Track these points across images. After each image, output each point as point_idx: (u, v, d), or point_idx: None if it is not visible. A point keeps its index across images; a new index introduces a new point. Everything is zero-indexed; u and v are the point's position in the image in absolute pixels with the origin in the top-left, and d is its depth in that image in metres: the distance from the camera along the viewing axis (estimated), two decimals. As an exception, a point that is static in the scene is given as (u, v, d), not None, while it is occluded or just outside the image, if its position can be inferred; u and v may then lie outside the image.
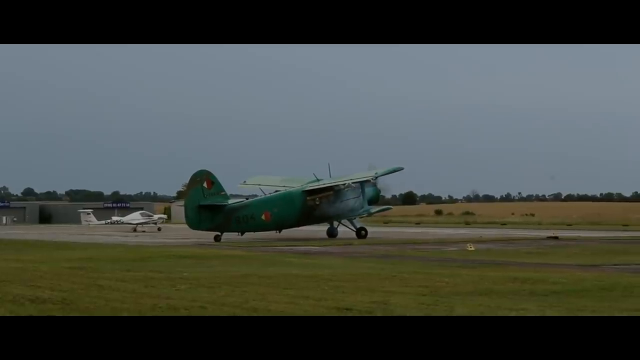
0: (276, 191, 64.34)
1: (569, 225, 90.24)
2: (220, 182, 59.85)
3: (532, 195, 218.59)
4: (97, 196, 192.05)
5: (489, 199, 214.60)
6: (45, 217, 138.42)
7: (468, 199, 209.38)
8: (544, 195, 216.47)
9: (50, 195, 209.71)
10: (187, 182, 62.28)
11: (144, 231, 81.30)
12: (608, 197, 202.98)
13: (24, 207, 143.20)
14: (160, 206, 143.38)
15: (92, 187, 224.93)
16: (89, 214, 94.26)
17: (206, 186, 58.78)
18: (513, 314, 16.12)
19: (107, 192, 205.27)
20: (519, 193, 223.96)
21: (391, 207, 78.64)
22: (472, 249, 42.21)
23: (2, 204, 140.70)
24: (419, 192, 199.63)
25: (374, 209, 64.79)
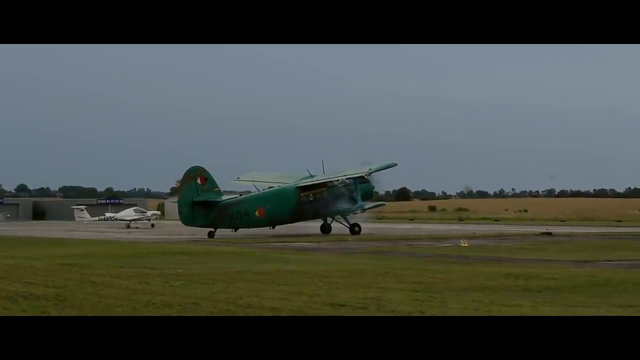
0: (270, 187, 64.32)
1: (563, 221, 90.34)
2: (214, 178, 59.88)
3: (525, 191, 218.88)
4: (91, 192, 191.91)
5: (482, 195, 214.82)
6: (38, 214, 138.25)
7: (462, 195, 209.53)
8: (537, 192, 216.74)
9: (44, 192, 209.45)
10: (181, 178, 62.32)
11: (137, 227, 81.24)
12: (602, 193, 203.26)
13: (17, 204, 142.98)
14: (154, 202, 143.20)
15: (86, 184, 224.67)
16: (83, 210, 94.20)
17: (200, 182, 58.80)
18: (506, 309, 16.14)
19: (101, 188, 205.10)
20: (513, 189, 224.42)
21: (385, 203, 78.54)
22: (466, 244, 42.26)
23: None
24: (412, 188, 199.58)
25: (368, 205, 64.66)
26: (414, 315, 15.45)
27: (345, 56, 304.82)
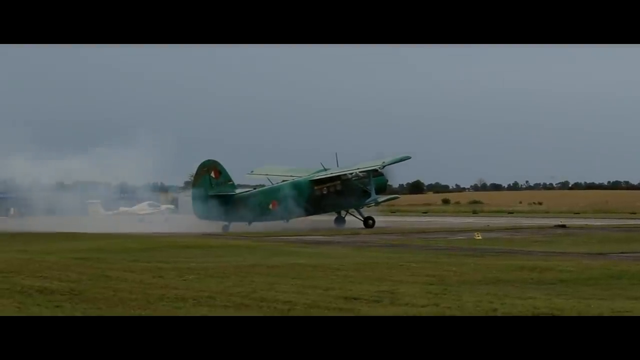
0: (284, 181, 64.33)
1: (577, 213, 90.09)
2: (228, 171, 59.91)
3: (539, 183, 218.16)
4: (104, 186, 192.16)
5: (496, 187, 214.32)
6: (52, 208, 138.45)
7: (475, 188, 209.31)
8: (551, 184, 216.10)
9: (58, 186, 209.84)
10: (195, 172, 62.34)
11: (151, 221, 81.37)
12: (615, 185, 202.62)
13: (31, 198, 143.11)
14: (168, 196, 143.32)
15: (99, 178, 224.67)
16: (96, 204, 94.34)
17: (213, 176, 58.86)
18: (520, 302, 16.12)
19: (115, 182, 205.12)
20: (527, 182, 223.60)
21: (398, 196, 78.54)
22: (480, 237, 42.18)
23: (9, 195, 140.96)
24: (426, 181, 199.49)
25: (382, 198, 64.62)
26: (428, 308, 15.46)
27: (347, 55, 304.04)
